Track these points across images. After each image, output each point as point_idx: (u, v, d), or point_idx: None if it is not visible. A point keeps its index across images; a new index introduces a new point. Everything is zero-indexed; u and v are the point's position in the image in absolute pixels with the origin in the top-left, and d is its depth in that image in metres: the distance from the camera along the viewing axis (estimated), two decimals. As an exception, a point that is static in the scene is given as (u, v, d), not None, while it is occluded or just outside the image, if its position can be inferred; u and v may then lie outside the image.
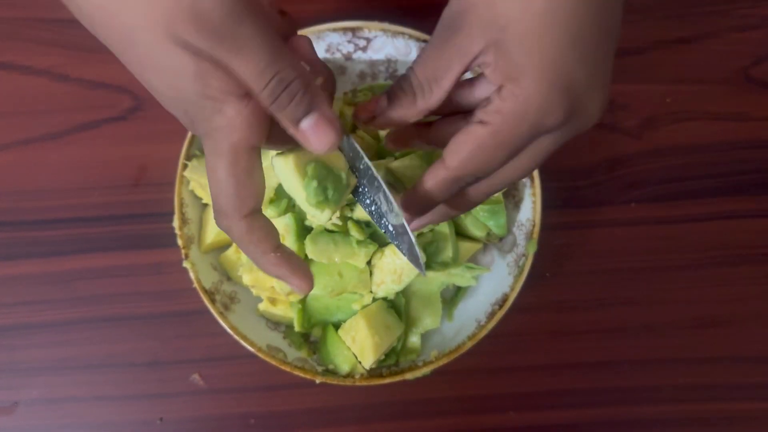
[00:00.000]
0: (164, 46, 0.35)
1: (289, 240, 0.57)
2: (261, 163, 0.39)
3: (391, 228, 0.45)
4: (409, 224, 0.44)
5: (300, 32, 0.63)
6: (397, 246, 0.45)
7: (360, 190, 0.45)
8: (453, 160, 0.41)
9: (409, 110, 0.42)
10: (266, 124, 0.38)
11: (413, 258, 0.45)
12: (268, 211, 0.59)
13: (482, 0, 0.38)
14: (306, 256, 0.57)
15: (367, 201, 0.45)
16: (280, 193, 0.59)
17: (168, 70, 0.36)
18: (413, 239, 0.44)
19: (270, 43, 0.35)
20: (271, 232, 0.40)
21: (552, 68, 0.38)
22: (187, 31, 0.34)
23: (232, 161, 0.37)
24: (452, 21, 0.40)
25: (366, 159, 0.44)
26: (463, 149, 0.41)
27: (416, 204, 0.45)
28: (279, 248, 0.40)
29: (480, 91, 0.43)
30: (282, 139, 0.41)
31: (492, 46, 0.38)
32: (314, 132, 0.38)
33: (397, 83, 0.42)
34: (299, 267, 0.41)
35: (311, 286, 0.42)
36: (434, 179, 0.43)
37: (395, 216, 0.44)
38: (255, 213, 0.39)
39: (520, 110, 0.39)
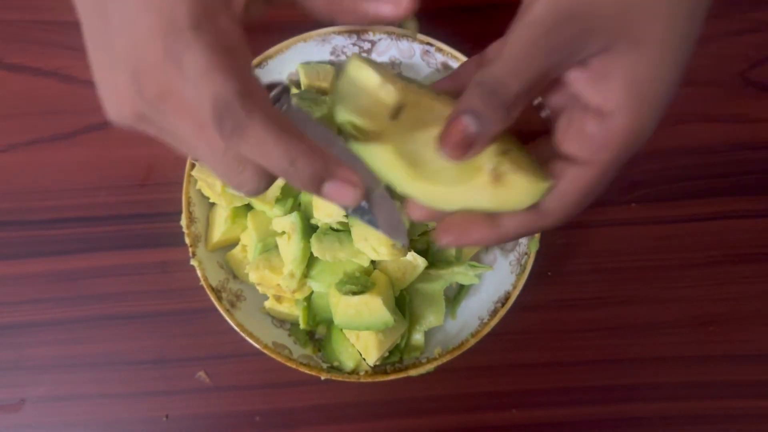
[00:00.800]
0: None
1: (295, 238, 0.58)
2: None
3: (363, 203, 0.39)
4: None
5: (306, 35, 0.64)
6: (369, 221, 0.40)
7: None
8: (554, 214, 0.36)
9: (501, 125, 0.34)
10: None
11: (393, 225, 0.40)
12: (274, 210, 0.59)
13: (609, 1, 0.32)
14: (312, 254, 0.58)
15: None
16: (285, 191, 0.59)
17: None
18: (395, 205, 0.39)
19: (280, 135, 0.32)
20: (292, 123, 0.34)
21: (667, 102, 0.34)
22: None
23: (236, 55, 0.32)
24: (559, 17, 0.33)
25: (331, 133, 0.39)
26: (567, 200, 0.36)
27: (494, 240, 0.38)
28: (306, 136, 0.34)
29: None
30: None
31: (613, 59, 0.33)
32: (336, 194, 0.34)
33: (479, 99, 0.34)
34: (339, 160, 0.35)
35: (362, 189, 0.35)
36: (525, 228, 0.37)
37: (378, 185, 0.39)
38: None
39: (629, 149, 0.34)
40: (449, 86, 0.39)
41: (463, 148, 0.34)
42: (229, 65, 0.31)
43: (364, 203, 0.38)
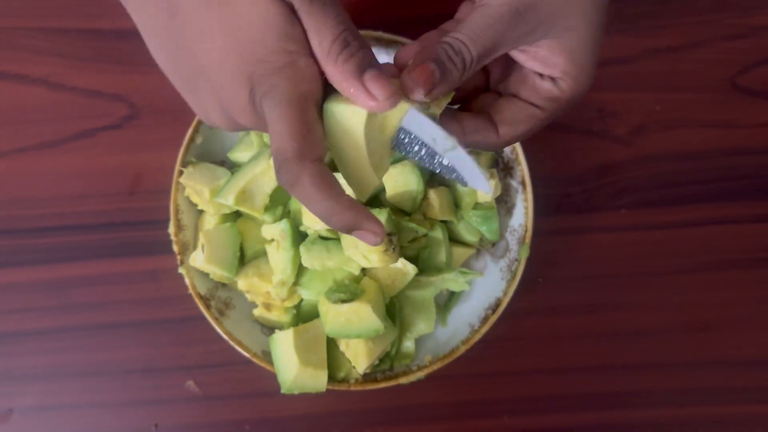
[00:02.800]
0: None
1: (285, 245, 0.58)
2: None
3: (445, 162, 0.43)
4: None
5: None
6: (456, 178, 0.44)
7: (403, 140, 0.43)
8: (507, 134, 0.47)
9: (457, 81, 0.44)
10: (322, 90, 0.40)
11: (476, 178, 0.44)
12: (264, 217, 0.59)
13: (550, 1, 0.43)
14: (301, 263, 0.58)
15: (416, 148, 0.43)
16: (275, 199, 0.59)
17: (253, 23, 0.38)
18: (473, 159, 0.43)
19: (343, 10, 0.40)
20: (336, 180, 0.40)
21: (594, 69, 0.46)
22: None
23: (303, 108, 0.38)
24: (519, 9, 0.43)
25: (406, 104, 0.42)
26: (519, 128, 0.47)
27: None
28: (344, 194, 0.40)
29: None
30: None
31: (554, 43, 0.44)
32: (375, 83, 0.39)
33: (446, 55, 0.43)
34: (367, 214, 0.40)
35: (384, 231, 0.41)
36: (484, 141, 0.48)
37: (446, 140, 0.43)
38: (322, 160, 0.39)
39: (573, 100, 0.46)
40: (414, 52, 0.46)
41: (429, 85, 0.42)
42: (295, 120, 0.38)
43: (448, 163, 0.44)
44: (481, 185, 0.44)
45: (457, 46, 0.43)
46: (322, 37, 0.39)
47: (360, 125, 0.41)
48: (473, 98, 0.50)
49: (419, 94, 0.42)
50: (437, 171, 0.44)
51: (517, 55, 0.46)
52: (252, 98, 0.39)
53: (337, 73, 0.39)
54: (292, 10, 0.38)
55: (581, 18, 0.44)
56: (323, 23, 0.38)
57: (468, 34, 0.43)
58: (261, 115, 0.39)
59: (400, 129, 0.43)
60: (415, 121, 0.42)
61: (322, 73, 0.39)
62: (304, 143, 0.38)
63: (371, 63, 0.40)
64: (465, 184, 0.44)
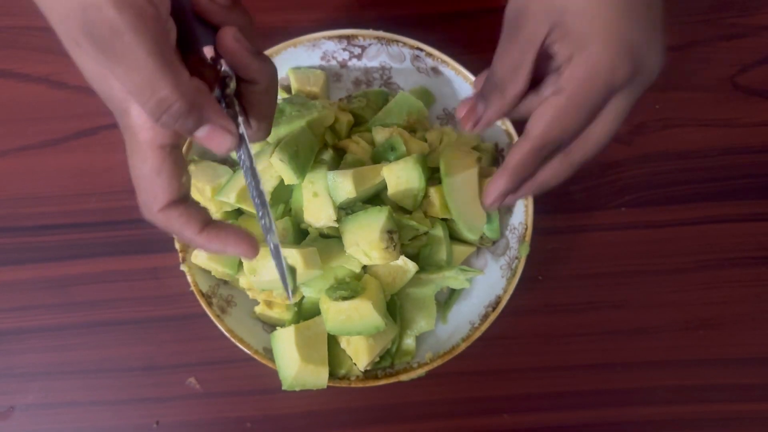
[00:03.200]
0: (72, 46, 0.37)
1: (287, 242, 0.58)
2: (176, 158, 0.40)
3: (272, 247, 0.45)
4: (496, 203, 0.51)
5: (296, 40, 0.64)
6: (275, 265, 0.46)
7: (255, 202, 0.45)
8: (536, 129, 0.46)
9: (503, 105, 0.47)
10: None
11: (282, 278, 0.46)
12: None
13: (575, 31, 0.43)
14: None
15: (260, 214, 0.45)
16: (276, 197, 0.59)
17: (83, 69, 0.38)
18: (283, 264, 0.46)
19: (150, 61, 0.34)
20: (193, 216, 0.41)
21: (614, 32, 0.43)
22: (79, 35, 0.34)
23: (142, 159, 0.39)
24: (515, 17, 0.45)
25: (256, 178, 0.44)
26: (543, 118, 0.45)
27: (508, 180, 0.49)
28: (205, 229, 0.42)
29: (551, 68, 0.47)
30: None
31: (557, 27, 0.43)
32: (210, 140, 0.39)
33: (485, 84, 0.48)
34: (234, 237, 0.43)
35: (255, 250, 0.43)
36: (520, 152, 0.47)
37: (272, 236, 0.45)
38: (170, 205, 0.40)
39: (591, 72, 0.43)
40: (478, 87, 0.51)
41: (473, 121, 0.50)
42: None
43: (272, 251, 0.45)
44: (282, 284, 0.47)
45: (490, 78, 0.49)
46: (135, 96, 0.36)
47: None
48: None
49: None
50: (270, 247, 0.46)
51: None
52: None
53: None
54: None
55: (597, 35, 0.43)
56: (126, 85, 0.35)
57: (495, 60, 0.48)
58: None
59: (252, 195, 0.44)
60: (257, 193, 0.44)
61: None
62: (147, 196, 0.41)
63: (197, 124, 0.38)
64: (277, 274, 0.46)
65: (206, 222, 0.42)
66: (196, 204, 0.43)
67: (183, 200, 0.42)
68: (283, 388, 0.57)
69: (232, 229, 0.43)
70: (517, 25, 0.45)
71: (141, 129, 0.38)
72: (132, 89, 0.35)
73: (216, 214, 0.61)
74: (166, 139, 0.39)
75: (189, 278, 0.60)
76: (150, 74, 0.34)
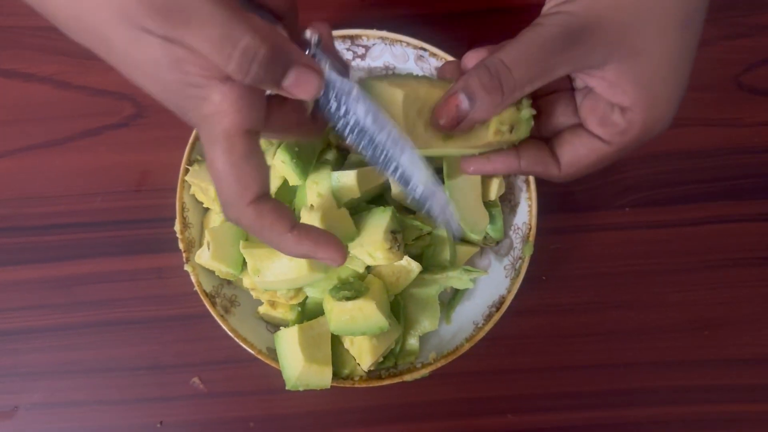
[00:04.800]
0: (132, 37, 0.33)
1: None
2: (260, 147, 0.37)
3: (421, 190, 0.42)
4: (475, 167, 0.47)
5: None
6: (427, 210, 0.43)
7: (384, 156, 0.41)
8: (570, 169, 0.45)
9: (493, 110, 0.41)
10: (259, 102, 0.37)
11: (445, 217, 0.43)
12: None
13: (613, 20, 0.40)
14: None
15: (393, 166, 0.42)
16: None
17: (146, 63, 0.34)
18: (447, 196, 0.44)
19: (221, 12, 0.33)
20: (284, 212, 0.38)
21: (677, 98, 0.42)
22: (141, 16, 0.32)
23: (228, 148, 0.36)
24: (580, 29, 0.40)
25: (387, 120, 0.40)
26: (583, 163, 0.44)
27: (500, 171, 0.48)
28: (296, 227, 0.39)
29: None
30: (281, 124, 0.41)
31: (621, 67, 0.40)
32: (298, 85, 0.37)
33: (478, 81, 0.41)
34: (324, 240, 0.40)
35: (344, 255, 0.40)
36: (545, 173, 0.46)
37: (425, 175, 0.42)
38: (261, 198, 0.37)
39: (644, 136, 0.42)
40: (452, 71, 0.44)
41: (453, 121, 0.41)
42: (223, 163, 0.36)
43: (421, 195, 0.42)
44: (448, 225, 0.44)
45: (495, 70, 0.40)
46: (215, 58, 0.34)
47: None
48: (549, 101, 0.47)
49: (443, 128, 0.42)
50: (411, 195, 0.43)
51: (587, 78, 0.43)
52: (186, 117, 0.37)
53: (261, 87, 0.36)
54: (171, 40, 0.34)
55: (655, 39, 0.40)
56: (203, 48, 0.33)
57: (512, 55, 0.40)
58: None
59: (380, 145, 0.41)
60: (410, 157, 0.41)
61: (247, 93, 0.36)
62: (236, 187, 0.36)
63: (284, 68, 0.36)
64: (435, 219, 0.44)
65: (295, 221, 0.39)
66: (282, 201, 0.40)
67: (269, 195, 0.39)
68: (287, 387, 0.57)
69: (320, 230, 0.40)
70: (569, 39, 0.40)
71: (226, 115, 0.35)
72: (211, 48, 0.33)
73: (220, 213, 0.61)
74: (251, 124, 0.36)
75: (193, 278, 0.60)
76: (226, 25, 0.33)
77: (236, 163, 0.36)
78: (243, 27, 0.34)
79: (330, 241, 0.40)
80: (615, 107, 0.42)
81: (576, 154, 0.44)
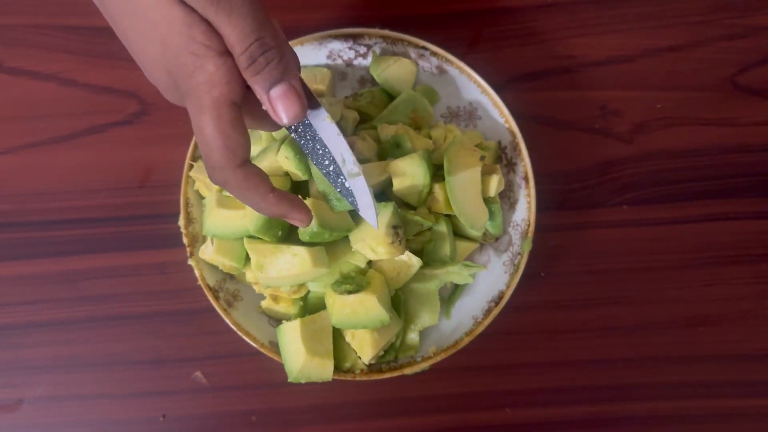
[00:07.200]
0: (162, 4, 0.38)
1: (293, 240, 0.59)
2: (242, 118, 0.41)
3: (347, 185, 0.47)
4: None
5: (303, 39, 0.65)
6: (351, 203, 0.48)
7: (318, 151, 0.47)
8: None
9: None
10: (243, 85, 0.41)
11: (367, 209, 0.48)
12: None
13: None
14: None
15: (326, 162, 0.47)
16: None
17: (158, 24, 0.38)
18: (370, 191, 0.48)
19: (257, 12, 0.39)
20: (264, 176, 0.43)
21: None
22: None
23: (217, 115, 0.39)
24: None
25: (328, 119, 0.46)
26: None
27: None
28: (275, 190, 0.43)
29: None
30: (253, 116, 0.46)
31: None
32: (282, 101, 0.41)
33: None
34: (298, 203, 0.45)
35: (311, 218, 0.46)
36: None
37: (353, 166, 0.47)
38: (246, 162, 0.42)
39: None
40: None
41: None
42: (213, 129, 0.40)
43: (349, 187, 0.48)
44: (370, 218, 0.49)
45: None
46: (233, 47, 0.39)
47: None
48: None
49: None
50: (338, 190, 0.48)
51: None
52: (175, 87, 0.41)
53: (251, 84, 0.41)
54: (193, 11, 0.38)
55: None
56: (231, 32, 0.39)
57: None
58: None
59: (318, 139, 0.46)
60: (332, 137, 0.46)
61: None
62: (225, 152, 0.40)
63: (281, 76, 0.41)
64: (357, 211, 0.49)
65: (273, 185, 0.44)
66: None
67: (251, 161, 0.43)
68: (289, 380, 0.58)
69: (293, 195, 0.45)
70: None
71: (216, 85, 0.39)
72: (239, 34, 0.38)
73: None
74: (237, 97, 0.40)
75: (196, 272, 0.61)
76: (258, 21, 0.39)
77: (224, 130, 0.40)
78: (269, 28, 0.40)
79: (302, 205, 0.45)
80: None
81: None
